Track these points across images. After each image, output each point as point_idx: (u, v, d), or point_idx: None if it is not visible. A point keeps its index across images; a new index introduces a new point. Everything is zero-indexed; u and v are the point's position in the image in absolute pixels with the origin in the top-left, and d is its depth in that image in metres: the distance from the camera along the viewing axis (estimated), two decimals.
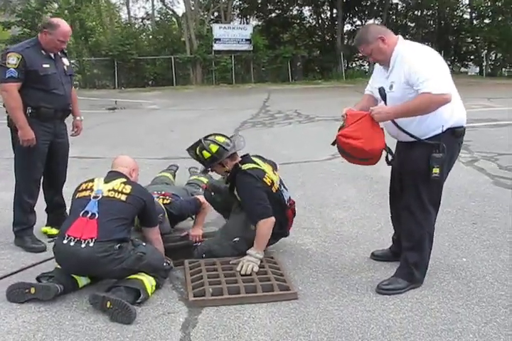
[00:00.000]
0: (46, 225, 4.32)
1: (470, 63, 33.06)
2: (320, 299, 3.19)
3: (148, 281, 3.15)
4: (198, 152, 3.71)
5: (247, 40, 25.40)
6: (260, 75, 26.57)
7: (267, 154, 7.57)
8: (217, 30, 25.27)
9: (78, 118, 4.30)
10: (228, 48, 25.32)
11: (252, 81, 25.74)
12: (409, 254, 3.27)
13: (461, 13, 31.33)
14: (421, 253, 3.29)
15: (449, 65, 21.59)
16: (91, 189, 3.35)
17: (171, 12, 29.61)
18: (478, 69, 31.78)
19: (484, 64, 30.16)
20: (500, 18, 28.96)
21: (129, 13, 30.08)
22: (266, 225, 3.57)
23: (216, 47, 25.23)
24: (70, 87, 4.04)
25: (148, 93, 21.28)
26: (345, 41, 30.83)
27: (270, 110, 14.05)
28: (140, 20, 31.59)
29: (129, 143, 8.66)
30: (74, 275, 3.21)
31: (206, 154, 3.67)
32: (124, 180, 3.44)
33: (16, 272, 3.53)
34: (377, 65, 3.29)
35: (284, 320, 2.93)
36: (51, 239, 3.42)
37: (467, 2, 29.91)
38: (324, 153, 7.66)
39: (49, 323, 2.87)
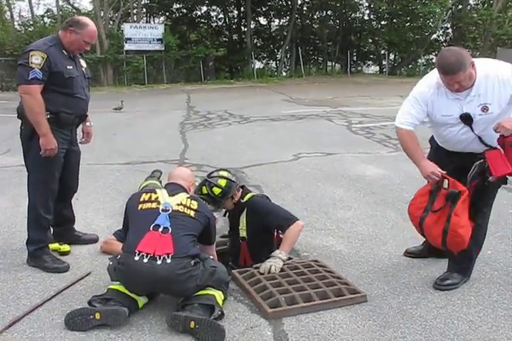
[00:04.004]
0: (52, 241, 3.92)
1: (370, 62, 34.68)
2: (388, 299, 3.19)
3: (219, 296, 2.98)
4: (207, 191, 3.64)
5: (158, 39, 24.76)
6: (172, 75, 26.06)
7: (229, 156, 7.63)
8: (129, 29, 24.40)
9: (88, 123, 3.97)
10: (140, 48, 24.56)
11: (164, 81, 25.21)
12: (472, 251, 3.35)
13: (361, 15, 32.79)
14: (479, 249, 3.40)
15: (351, 65, 22.27)
16: (157, 201, 3.11)
17: (74, 10, 28.23)
18: (378, 68, 33.43)
19: (385, 63, 31.79)
20: (395, 20, 30.68)
21: (31, 9, 28.23)
22: (297, 227, 3.55)
23: (127, 47, 24.35)
24: (88, 90, 3.72)
25: None
26: (254, 40, 31.20)
27: (199, 111, 13.81)
28: (40, 17, 29.81)
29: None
30: (133, 296, 2.96)
31: (217, 190, 3.63)
32: (188, 195, 3.26)
33: (54, 296, 3.19)
34: (420, 99, 3.16)
35: (370, 323, 2.90)
36: (111, 257, 3.10)
37: (367, 4, 31.38)
38: (287, 154, 7.73)
39: None
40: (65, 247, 3.87)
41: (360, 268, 3.67)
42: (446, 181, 3.16)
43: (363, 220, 4.74)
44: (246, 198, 3.71)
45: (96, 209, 5.03)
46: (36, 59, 3.27)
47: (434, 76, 3.14)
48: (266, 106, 14.54)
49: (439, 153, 3.44)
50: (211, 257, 3.18)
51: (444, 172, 3.16)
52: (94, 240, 4.10)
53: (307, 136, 9.50)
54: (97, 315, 2.76)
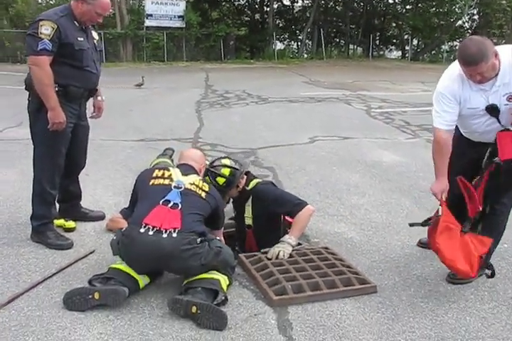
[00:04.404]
0: (57, 217, 3.85)
1: (393, 47, 34.03)
2: (398, 291, 3.08)
3: (224, 280, 2.88)
4: (210, 181, 3.47)
5: (179, 16, 24.41)
6: (192, 53, 25.80)
7: (244, 136, 7.50)
8: (150, 5, 24.00)
9: (100, 98, 3.85)
10: (160, 25, 24.25)
11: (184, 59, 24.97)
12: (492, 245, 3.22)
13: None
14: (498, 242, 3.27)
15: (373, 49, 21.52)
16: (170, 178, 3.05)
17: None
18: (400, 53, 32.80)
19: (407, 48, 31.16)
20: (420, 5, 29.98)
21: None
22: (308, 212, 3.45)
23: (148, 23, 24.05)
24: (99, 64, 3.60)
25: None
26: (276, 21, 30.71)
27: (217, 90, 13.65)
28: None
29: (93, 124, 7.91)
30: (134, 275, 2.87)
31: (221, 180, 3.49)
32: (200, 177, 3.19)
33: (55, 273, 3.12)
34: (448, 94, 2.97)
35: (378, 315, 2.79)
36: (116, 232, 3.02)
37: None
38: (303, 136, 7.58)
39: (131, 334, 2.54)
40: (70, 224, 3.79)
41: (371, 257, 3.55)
42: (440, 208, 3.05)
43: (376, 207, 4.60)
44: (251, 185, 3.56)
45: (105, 186, 4.95)
46: (46, 29, 3.14)
47: (455, 68, 2.96)
48: (285, 87, 14.33)
49: (460, 143, 3.27)
50: (218, 238, 3.09)
51: (444, 199, 3.05)
52: (101, 217, 4.03)
53: (325, 119, 9.31)
54: (96, 295, 2.68)
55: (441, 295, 3.04)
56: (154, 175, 3.09)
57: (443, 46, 30.71)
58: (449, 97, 2.98)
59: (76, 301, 2.69)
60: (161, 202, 2.88)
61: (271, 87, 14.07)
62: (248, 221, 3.57)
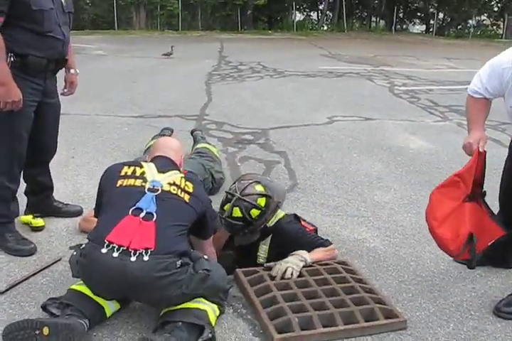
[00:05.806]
0: (26, 213, 3.25)
1: (417, 21, 32.61)
2: (434, 328, 2.42)
3: (213, 312, 2.25)
4: (242, 213, 2.69)
5: None
6: (208, 23, 24.89)
7: (254, 114, 6.80)
8: None
9: (73, 71, 3.17)
10: None
11: (199, 28, 24.09)
12: None
13: None
14: None
15: (397, 22, 20.55)
16: (142, 177, 2.37)
17: None
18: (424, 27, 31.45)
19: (432, 22, 29.80)
20: None
21: None
22: (331, 253, 2.92)
23: None
24: (68, 29, 2.91)
25: (89, 37, 19.23)
26: None
27: (231, 61, 12.91)
28: None
29: (91, 96, 7.24)
30: (99, 301, 2.25)
31: (255, 212, 2.71)
32: (182, 174, 2.51)
33: (6, 290, 2.51)
34: (496, 71, 2.46)
35: None
36: (74, 245, 2.37)
37: None
38: (320, 116, 6.87)
39: None
40: (38, 222, 3.16)
41: (399, 276, 2.90)
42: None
43: (404, 207, 3.93)
44: (271, 220, 2.85)
45: (90, 172, 4.29)
46: None
47: None
48: (303, 60, 13.55)
49: None
50: (205, 257, 2.41)
51: (481, 149, 2.50)
52: (78, 213, 3.41)
53: (344, 96, 8.56)
54: (45, 330, 2.06)
55: (489, 335, 2.38)
56: (123, 172, 2.41)
57: (470, 21, 29.31)
58: (494, 76, 2.47)
59: (19, 338, 2.07)
60: (130, 211, 2.22)
61: (288, 60, 13.29)
62: (260, 260, 2.87)
